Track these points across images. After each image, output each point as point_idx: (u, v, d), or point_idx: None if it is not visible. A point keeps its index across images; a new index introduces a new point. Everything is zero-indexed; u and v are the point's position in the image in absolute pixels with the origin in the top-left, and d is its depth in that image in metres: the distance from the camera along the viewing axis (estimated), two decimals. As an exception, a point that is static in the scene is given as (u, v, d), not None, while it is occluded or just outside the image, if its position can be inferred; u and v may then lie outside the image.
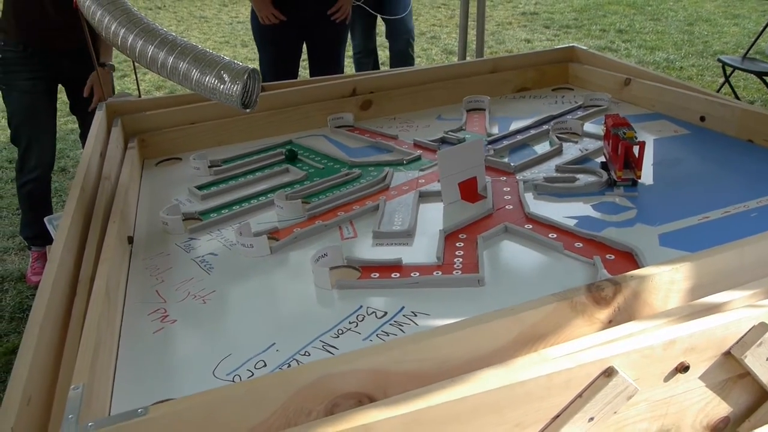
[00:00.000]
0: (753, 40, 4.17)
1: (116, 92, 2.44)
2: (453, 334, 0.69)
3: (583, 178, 1.21)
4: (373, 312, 0.87)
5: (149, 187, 1.38)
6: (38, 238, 2.32)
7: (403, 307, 0.87)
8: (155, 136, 1.53)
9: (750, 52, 4.06)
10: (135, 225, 1.20)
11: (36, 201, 2.27)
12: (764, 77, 3.89)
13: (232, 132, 1.57)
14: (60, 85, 2.29)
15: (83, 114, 2.31)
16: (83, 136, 2.43)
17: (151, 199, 1.31)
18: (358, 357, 0.66)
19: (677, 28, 5.83)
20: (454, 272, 0.94)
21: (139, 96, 1.76)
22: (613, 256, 0.95)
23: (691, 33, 5.63)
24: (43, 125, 2.21)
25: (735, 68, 3.91)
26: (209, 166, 1.40)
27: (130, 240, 1.12)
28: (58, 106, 2.33)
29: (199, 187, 1.31)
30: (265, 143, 1.54)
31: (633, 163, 1.16)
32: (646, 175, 1.22)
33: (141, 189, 1.36)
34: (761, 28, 4.18)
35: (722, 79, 4.06)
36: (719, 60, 4.05)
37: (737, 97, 4.14)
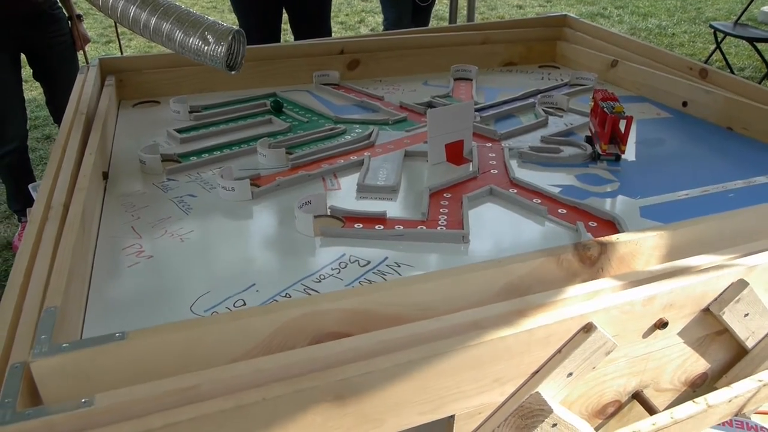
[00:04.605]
0: (745, 6, 4.14)
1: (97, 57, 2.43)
2: (440, 280, 0.69)
3: (568, 150, 1.22)
4: (356, 260, 0.86)
5: (125, 127, 1.33)
6: (26, 209, 2.31)
7: (386, 257, 0.86)
8: (133, 77, 1.48)
9: (742, 18, 4.02)
10: (110, 163, 1.16)
11: (18, 172, 2.24)
12: (755, 43, 3.86)
13: (214, 80, 1.53)
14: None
15: (49, 79, 2.27)
16: (49, 103, 2.38)
17: (126, 138, 1.27)
18: (343, 296, 0.65)
19: (670, -6, 5.65)
20: (438, 228, 0.93)
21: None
22: (595, 224, 0.95)
23: (684, -1, 5.49)
24: (15, 97, 2.16)
25: (726, 34, 3.86)
26: (189, 111, 1.36)
27: (105, 176, 1.08)
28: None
29: (179, 131, 1.28)
30: (247, 95, 1.50)
31: (618, 138, 1.17)
32: (629, 152, 1.23)
33: (117, 128, 1.32)
34: (753, -6, 4.12)
35: (714, 46, 4.01)
36: (711, 26, 4.01)
37: (728, 64, 4.12)
